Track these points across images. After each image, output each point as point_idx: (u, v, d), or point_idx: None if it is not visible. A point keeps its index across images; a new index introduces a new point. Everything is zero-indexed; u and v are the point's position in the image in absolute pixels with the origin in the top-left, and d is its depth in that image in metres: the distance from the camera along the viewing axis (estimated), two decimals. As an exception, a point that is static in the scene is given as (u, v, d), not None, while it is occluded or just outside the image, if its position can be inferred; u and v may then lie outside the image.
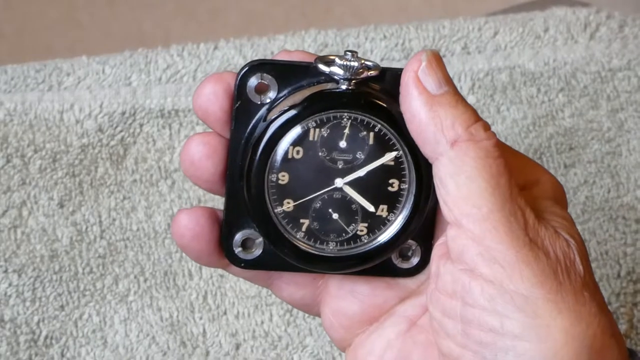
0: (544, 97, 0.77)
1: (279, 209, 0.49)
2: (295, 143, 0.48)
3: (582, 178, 0.76)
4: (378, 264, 0.50)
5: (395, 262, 0.51)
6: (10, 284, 0.70)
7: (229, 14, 1.58)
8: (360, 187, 0.49)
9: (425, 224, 0.50)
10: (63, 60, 0.75)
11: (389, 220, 0.50)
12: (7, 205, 0.71)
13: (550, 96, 0.77)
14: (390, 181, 0.49)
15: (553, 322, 0.45)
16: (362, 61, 0.48)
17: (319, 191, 0.49)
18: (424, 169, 0.49)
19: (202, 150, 0.49)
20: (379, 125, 0.48)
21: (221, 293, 0.71)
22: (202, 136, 0.49)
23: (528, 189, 0.49)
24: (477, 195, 0.46)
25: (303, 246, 0.49)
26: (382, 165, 0.49)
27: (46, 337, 0.69)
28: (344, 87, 0.48)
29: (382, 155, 0.49)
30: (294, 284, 0.52)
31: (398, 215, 0.49)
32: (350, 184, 0.49)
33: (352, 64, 0.48)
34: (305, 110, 0.48)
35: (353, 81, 0.48)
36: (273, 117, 0.48)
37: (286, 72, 0.49)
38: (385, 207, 0.49)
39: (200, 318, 0.71)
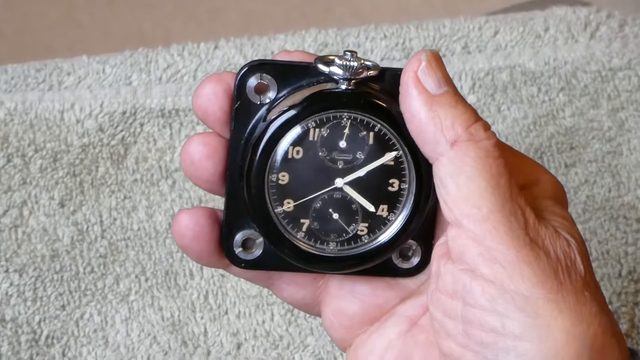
0: (544, 97, 0.77)
1: (279, 209, 0.49)
2: (295, 143, 0.48)
3: (582, 177, 0.76)
4: (378, 264, 0.50)
5: (396, 262, 0.51)
6: (11, 284, 0.70)
7: (229, 14, 1.58)
8: (360, 187, 0.49)
9: (426, 224, 0.50)
10: (63, 59, 0.75)
11: (389, 220, 0.50)
12: (8, 205, 0.71)
13: (551, 95, 0.77)
14: (391, 181, 0.49)
15: (554, 322, 0.45)
16: (362, 61, 0.48)
17: (319, 191, 0.49)
18: (424, 168, 0.49)
19: (202, 151, 0.49)
20: (379, 125, 0.48)
21: (222, 293, 0.71)
22: (202, 136, 0.49)
23: (528, 188, 0.49)
24: (477, 195, 0.46)
25: (303, 246, 0.49)
26: (382, 165, 0.49)
27: (47, 337, 0.69)
28: (343, 87, 0.48)
29: (382, 155, 0.49)
30: (294, 284, 0.52)
31: (398, 215, 0.49)
32: (351, 183, 0.49)
33: (352, 64, 0.48)
34: (305, 110, 0.48)
35: (353, 81, 0.48)
36: (273, 117, 0.48)
37: (286, 72, 0.49)
38: (385, 207, 0.49)
39: (202, 318, 0.71)
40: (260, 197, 0.49)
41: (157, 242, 0.72)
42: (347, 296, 0.51)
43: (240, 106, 0.49)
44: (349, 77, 0.48)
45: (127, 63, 0.75)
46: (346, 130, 0.48)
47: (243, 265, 0.50)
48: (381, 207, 0.49)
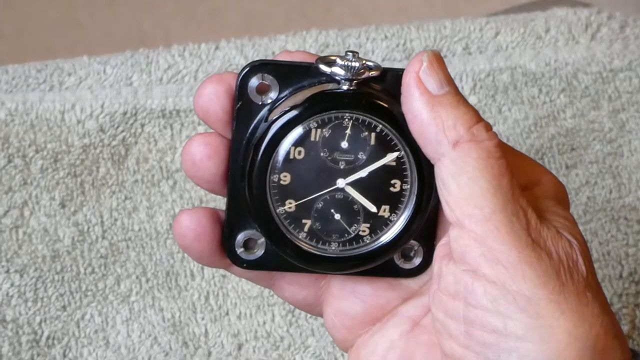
0: (545, 98, 0.77)
1: (280, 210, 0.49)
2: (297, 143, 0.48)
3: (583, 179, 0.76)
4: (380, 265, 0.50)
5: (398, 262, 0.51)
6: (12, 284, 0.70)
7: (229, 14, 1.58)
8: (362, 188, 0.49)
9: (427, 225, 0.50)
10: (64, 60, 0.75)
11: (391, 221, 0.50)
12: (9, 206, 0.71)
13: (552, 97, 0.77)
14: (392, 181, 0.49)
15: (556, 323, 0.45)
16: (364, 61, 0.48)
17: (321, 191, 0.49)
18: (425, 169, 0.49)
19: (203, 151, 0.49)
20: (381, 126, 0.48)
21: (223, 293, 0.71)
22: (203, 137, 0.49)
23: (530, 189, 0.49)
24: (479, 195, 0.46)
25: (305, 246, 0.49)
26: (384, 166, 0.49)
27: (48, 338, 0.69)
28: (345, 87, 0.48)
29: (384, 155, 0.49)
30: (296, 284, 0.52)
31: (400, 216, 0.49)
32: (352, 184, 0.49)
33: (354, 64, 0.48)
34: (307, 111, 0.48)
35: (354, 82, 0.48)
36: (274, 117, 0.48)
37: (287, 73, 0.49)
38: (387, 207, 0.49)
39: (202, 318, 0.71)
40: (262, 198, 0.49)
41: (158, 243, 0.72)
42: (349, 296, 0.51)
43: (242, 106, 0.49)
44: (350, 77, 0.48)
45: (128, 63, 0.75)
46: (348, 131, 0.48)
47: (245, 265, 0.50)
48: (383, 207, 0.49)
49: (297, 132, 0.48)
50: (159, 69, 0.75)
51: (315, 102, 0.48)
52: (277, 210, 0.49)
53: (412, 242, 0.50)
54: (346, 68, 0.48)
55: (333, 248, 0.50)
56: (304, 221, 0.49)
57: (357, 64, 0.48)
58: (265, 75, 0.49)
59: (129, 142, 0.73)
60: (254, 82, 0.49)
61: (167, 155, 0.74)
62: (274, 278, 0.52)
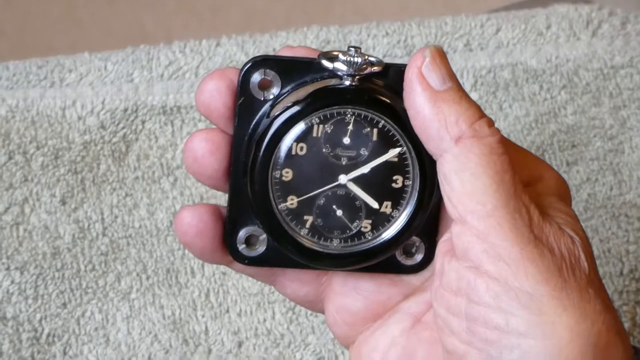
0: (546, 94, 0.77)
1: (282, 206, 0.49)
2: (299, 139, 0.48)
3: (584, 175, 0.76)
4: (382, 261, 0.50)
5: (399, 258, 0.51)
6: (12, 282, 0.70)
7: (230, 12, 1.58)
8: (364, 184, 0.49)
9: (429, 221, 0.50)
10: (65, 56, 0.75)
11: (393, 217, 0.49)
12: (9, 202, 0.71)
13: (553, 93, 0.77)
14: (394, 177, 0.49)
15: (558, 320, 0.45)
16: (366, 57, 0.48)
17: (323, 187, 0.49)
18: (427, 165, 0.48)
19: (205, 147, 0.49)
20: (383, 122, 0.48)
21: (223, 291, 0.71)
22: (205, 132, 0.49)
23: (532, 185, 0.49)
24: (482, 191, 0.46)
25: (307, 243, 0.49)
26: (386, 162, 0.49)
27: (48, 335, 0.69)
28: (347, 83, 0.48)
29: (386, 151, 0.49)
30: (297, 280, 0.52)
31: (402, 212, 0.49)
32: (354, 180, 0.49)
33: (356, 59, 0.48)
34: (309, 107, 0.48)
35: (357, 77, 0.48)
36: (276, 113, 0.48)
37: (289, 68, 0.49)
38: (389, 203, 0.49)
39: (203, 316, 0.71)
40: (264, 194, 0.48)
41: (158, 240, 0.72)
42: (350, 293, 0.51)
43: (244, 102, 0.49)
44: (353, 73, 0.48)
45: (129, 60, 0.75)
46: (350, 127, 0.48)
47: (246, 261, 0.50)
48: (385, 203, 0.49)
49: (299, 128, 0.48)
50: (159, 66, 0.75)
51: (318, 97, 0.48)
52: (279, 207, 0.49)
53: (414, 238, 0.50)
54: (348, 64, 0.48)
55: (335, 244, 0.49)
56: (305, 217, 0.49)
57: (359, 60, 0.48)
58: (268, 70, 0.48)
59: (129, 138, 0.73)
60: (256, 77, 0.49)
61: (167, 151, 0.74)
62: (275, 274, 0.52)
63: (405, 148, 0.49)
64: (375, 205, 0.49)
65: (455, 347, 0.47)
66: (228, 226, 0.50)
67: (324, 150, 0.48)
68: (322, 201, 0.49)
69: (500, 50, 0.77)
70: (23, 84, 0.74)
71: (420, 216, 0.49)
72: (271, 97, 0.49)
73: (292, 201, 0.49)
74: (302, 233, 0.49)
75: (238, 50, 0.76)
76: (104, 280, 0.71)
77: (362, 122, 0.48)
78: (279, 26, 0.80)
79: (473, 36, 0.78)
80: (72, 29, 1.56)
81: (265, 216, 0.49)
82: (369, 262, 0.50)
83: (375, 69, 0.48)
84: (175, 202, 0.73)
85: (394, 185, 0.49)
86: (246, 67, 0.48)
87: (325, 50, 0.70)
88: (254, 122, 0.49)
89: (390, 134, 0.48)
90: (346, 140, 0.48)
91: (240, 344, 0.70)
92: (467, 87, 0.76)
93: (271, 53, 0.76)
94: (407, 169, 0.49)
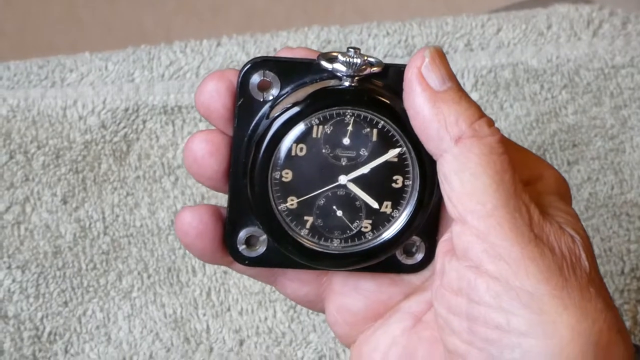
0: (547, 94, 0.77)
1: (282, 207, 0.49)
2: (299, 140, 0.48)
3: (585, 175, 0.76)
4: (382, 261, 0.50)
5: (400, 258, 0.51)
6: (13, 280, 0.70)
7: (230, 12, 1.58)
8: (364, 184, 0.49)
9: (430, 220, 0.50)
10: (66, 56, 0.75)
11: (393, 217, 0.49)
12: (11, 202, 0.71)
13: (554, 93, 0.77)
14: (394, 178, 0.49)
15: (559, 319, 0.45)
16: (365, 58, 0.48)
17: (323, 188, 0.49)
18: (427, 165, 0.48)
19: (205, 148, 0.49)
20: (383, 122, 0.48)
21: (225, 289, 0.71)
22: (205, 134, 0.49)
23: (532, 184, 0.49)
24: (482, 191, 0.46)
25: (307, 243, 0.49)
26: (386, 162, 0.49)
27: (50, 333, 0.69)
28: (347, 83, 0.48)
29: (386, 152, 0.49)
30: (298, 280, 0.52)
31: (402, 212, 0.49)
32: (354, 180, 0.49)
33: (355, 60, 0.48)
34: (309, 108, 0.48)
35: (356, 78, 0.48)
36: (276, 114, 0.48)
37: (289, 69, 0.49)
38: (389, 203, 0.49)
39: (204, 314, 0.71)
40: (264, 195, 0.49)
41: (159, 239, 0.72)
42: (351, 293, 0.51)
43: (243, 103, 0.49)
44: (352, 74, 0.48)
45: (130, 60, 0.75)
46: (350, 127, 0.48)
47: (247, 262, 0.50)
48: (385, 203, 0.49)
49: (299, 128, 0.48)
50: (160, 65, 0.75)
51: (317, 98, 0.48)
52: (279, 207, 0.49)
53: (414, 238, 0.50)
54: (348, 64, 0.48)
55: (335, 245, 0.50)
56: (305, 218, 0.49)
57: (358, 60, 0.48)
58: (267, 72, 0.49)
59: (130, 138, 0.73)
60: (256, 78, 0.49)
61: (168, 151, 0.74)
62: (275, 275, 0.52)
63: (405, 148, 0.49)
64: (375, 205, 0.49)
65: (456, 347, 0.47)
66: (228, 227, 0.50)
67: (323, 151, 0.48)
68: (322, 202, 0.49)
69: (501, 50, 0.77)
70: (24, 84, 0.74)
71: (420, 216, 0.49)
72: (270, 98, 0.49)
73: (292, 202, 0.49)
74: (302, 233, 0.49)
75: (239, 50, 0.76)
76: (105, 279, 0.71)
77: (362, 122, 0.48)
78: (279, 26, 0.80)
79: (474, 36, 0.78)
80: (72, 29, 1.56)
81: (265, 217, 0.49)
82: (370, 262, 0.50)
83: (375, 69, 0.48)
84: (177, 202, 0.73)
85: (394, 185, 0.49)
86: (245, 69, 0.48)
87: (325, 50, 0.70)
88: (253, 123, 0.49)
89: (390, 134, 0.48)
90: (346, 140, 0.48)
91: (241, 343, 0.70)
92: (467, 87, 0.76)
93: (272, 53, 0.76)
94: (407, 169, 0.49)
